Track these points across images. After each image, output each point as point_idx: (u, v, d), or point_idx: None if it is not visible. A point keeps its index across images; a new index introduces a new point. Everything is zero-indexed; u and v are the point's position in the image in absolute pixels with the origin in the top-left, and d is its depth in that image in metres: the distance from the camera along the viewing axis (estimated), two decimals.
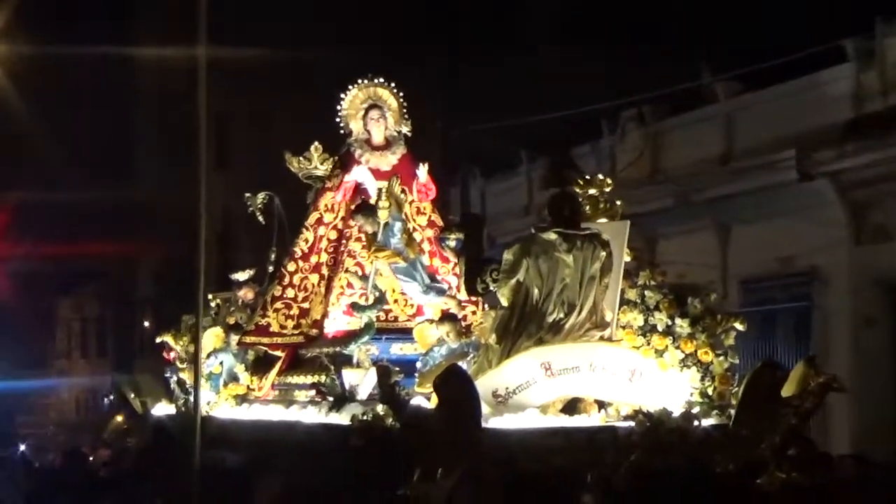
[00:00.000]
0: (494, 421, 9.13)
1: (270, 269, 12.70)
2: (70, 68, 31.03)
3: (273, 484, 10.03)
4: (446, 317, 10.51)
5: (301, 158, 12.42)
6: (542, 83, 22.71)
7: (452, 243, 10.55)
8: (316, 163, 12.38)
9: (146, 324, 36.96)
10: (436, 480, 8.41)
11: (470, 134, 22.33)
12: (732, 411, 9.36)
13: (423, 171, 11.87)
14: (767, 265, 18.42)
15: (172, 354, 13.47)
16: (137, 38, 36.01)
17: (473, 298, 11.15)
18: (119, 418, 15.40)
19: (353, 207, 11.70)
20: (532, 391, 9.39)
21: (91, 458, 15.18)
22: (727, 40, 20.53)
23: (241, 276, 13.15)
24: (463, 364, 9.83)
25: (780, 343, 17.64)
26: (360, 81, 12.12)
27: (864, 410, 16.39)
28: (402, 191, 11.48)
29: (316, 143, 12.34)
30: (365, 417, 9.62)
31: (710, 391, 9.56)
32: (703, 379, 9.58)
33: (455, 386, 8.95)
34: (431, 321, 10.76)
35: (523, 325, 9.56)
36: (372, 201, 11.56)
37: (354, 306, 11.06)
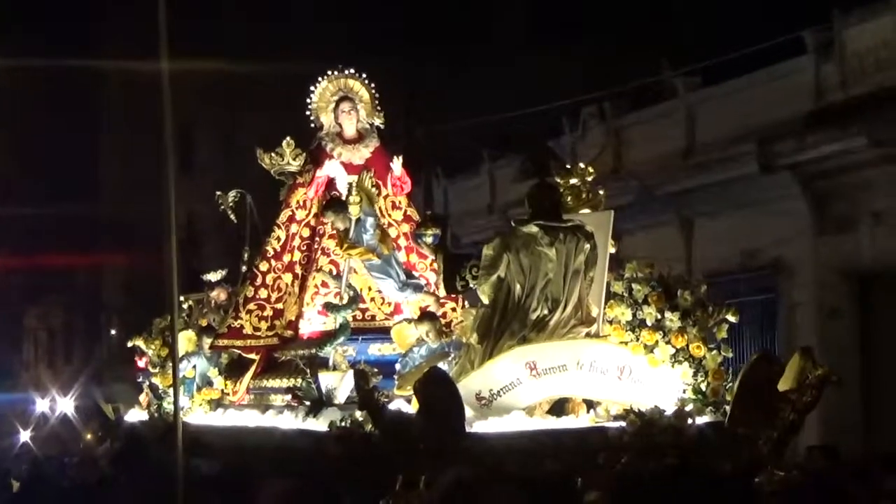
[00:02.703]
0: (479, 425, 8.37)
1: (244, 269, 11.76)
2: (32, 79, 30.09)
3: (249, 492, 9.14)
4: (425, 315, 9.66)
5: (273, 154, 11.46)
6: (503, 82, 22.00)
7: (429, 239, 9.65)
8: (288, 158, 11.44)
9: (112, 332, 36.00)
10: (418, 489, 7.67)
11: (432, 133, 21.58)
12: (727, 408, 8.55)
13: (397, 164, 11.04)
14: (731, 258, 17.90)
15: (143, 361, 12.55)
16: (99, 47, 34.96)
17: (452, 295, 10.25)
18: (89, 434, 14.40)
19: (323, 203, 10.77)
20: (517, 392, 8.60)
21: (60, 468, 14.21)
22: (686, 35, 19.97)
23: (214, 276, 12.29)
24: (444, 365, 9.09)
25: (746, 336, 17.00)
26: (329, 73, 11.19)
27: (831, 401, 15.74)
28: (375, 185, 10.58)
29: (288, 139, 11.41)
30: (343, 423, 8.88)
31: (703, 387, 8.71)
32: (695, 374, 8.74)
33: (436, 389, 8.16)
34: (410, 320, 9.89)
35: (506, 324, 8.75)
36: (344, 197, 10.62)
37: (328, 306, 10.20)
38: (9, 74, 26.67)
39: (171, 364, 11.50)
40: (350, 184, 10.58)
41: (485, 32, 24.83)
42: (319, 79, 11.23)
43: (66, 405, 27.89)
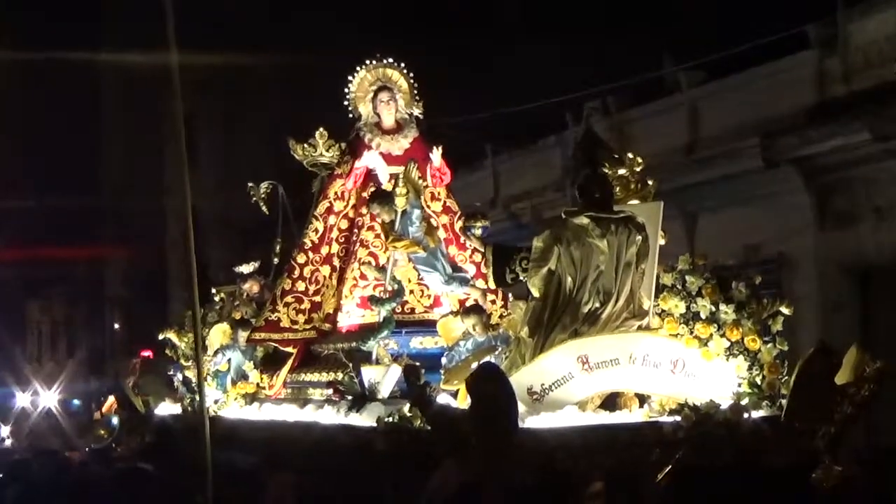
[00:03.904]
0: (531, 420, 7.99)
1: (276, 260, 11.37)
2: (34, 71, 29.56)
3: (287, 487, 8.78)
4: (472, 309, 9.28)
5: (305, 145, 11.07)
6: (506, 76, 21.60)
7: (479, 231, 9.29)
8: (321, 149, 11.09)
9: (116, 325, 35.50)
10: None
11: (435, 127, 21.16)
12: (783, 402, 8.16)
13: (436, 154, 10.65)
14: (734, 253, 17.48)
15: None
16: (102, 39, 34.42)
17: (493, 288, 9.88)
18: (101, 431, 13.94)
19: (367, 195, 10.45)
20: (569, 387, 8.22)
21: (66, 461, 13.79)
22: (689, 29, 19.63)
23: (246, 268, 11.92)
24: (491, 359, 8.72)
25: None
26: (367, 62, 10.79)
27: None
28: (419, 176, 10.15)
29: (321, 129, 11.02)
30: (391, 419, 8.46)
31: (759, 381, 8.34)
32: (750, 368, 8.37)
33: (490, 384, 7.70)
34: (456, 313, 9.46)
35: (557, 317, 8.37)
36: (383, 188, 10.22)
37: (372, 300, 9.80)
38: (10, 67, 26.14)
39: (204, 357, 11.16)
40: (395, 175, 10.17)
41: (487, 25, 24.41)
42: (357, 68, 10.86)
43: (50, 399, 27.55)
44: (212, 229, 24.23)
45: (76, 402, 31.25)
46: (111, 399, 14.84)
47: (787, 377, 8.28)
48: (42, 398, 29.29)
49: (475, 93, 21.55)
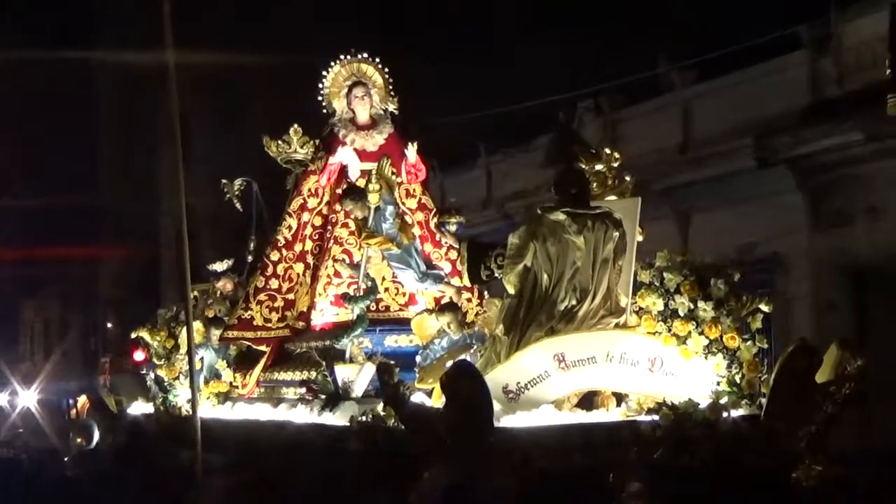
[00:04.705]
0: (507, 419, 7.69)
1: (249, 258, 11.08)
2: (26, 71, 29.25)
3: (260, 487, 8.53)
4: (447, 306, 9.00)
5: (280, 142, 10.78)
6: (499, 75, 21.32)
7: (454, 227, 9.00)
8: (296, 146, 10.83)
9: (109, 325, 35.24)
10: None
11: (427, 127, 20.88)
12: (763, 400, 7.85)
13: (412, 151, 10.37)
14: (728, 253, 17.22)
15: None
16: (95, 38, 34.14)
17: (468, 285, 9.57)
18: (79, 439, 13.62)
19: (340, 191, 10.10)
20: (545, 385, 7.93)
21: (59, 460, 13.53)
22: (683, 28, 19.40)
23: (219, 266, 11.62)
24: (467, 357, 8.41)
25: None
26: (342, 57, 10.48)
27: None
28: (393, 172, 9.83)
29: (295, 126, 10.73)
30: (364, 418, 8.19)
31: (738, 379, 8.00)
32: (729, 366, 8.03)
33: (465, 383, 7.46)
34: (430, 311, 9.15)
35: (533, 314, 8.07)
36: (356, 183, 9.92)
37: (345, 297, 9.50)
38: (4, 67, 25.87)
39: (177, 356, 10.90)
40: (369, 171, 9.86)
41: (480, 25, 24.12)
42: (332, 63, 10.54)
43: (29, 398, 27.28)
44: (205, 229, 23.96)
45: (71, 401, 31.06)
46: (83, 398, 14.60)
47: (766, 375, 7.96)
48: (21, 398, 29.13)
49: (469, 92, 21.28)
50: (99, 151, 37.03)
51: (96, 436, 12.74)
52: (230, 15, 27.28)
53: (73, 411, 16.76)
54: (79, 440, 12.95)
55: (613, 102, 19.76)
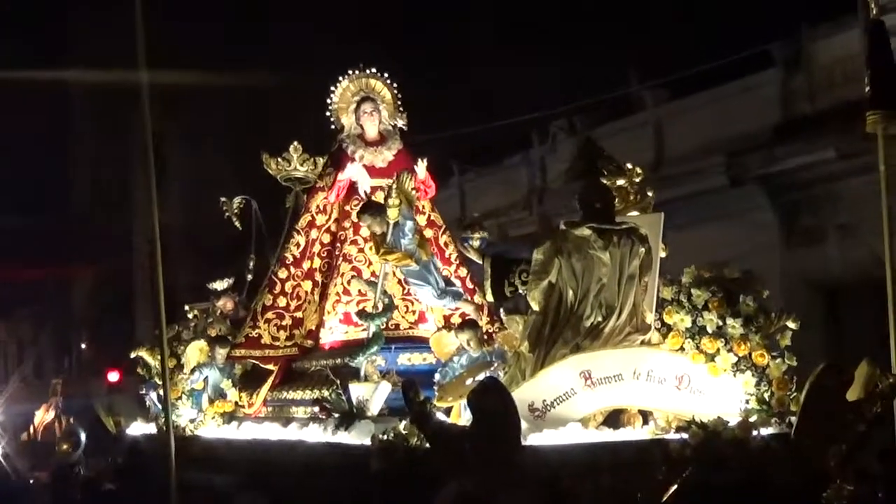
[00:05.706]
0: (533, 437, 7.36)
1: (249, 277, 10.66)
2: None
3: None
4: (467, 324, 8.65)
5: (279, 160, 10.41)
6: (472, 94, 21.08)
7: (477, 243, 8.67)
8: (296, 164, 10.47)
9: (83, 346, 34.54)
10: None
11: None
12: (793, 419, 7.56)
13: (421, 167, 10.02)
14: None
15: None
16: (68, 55, 33.53)
17: (480, 303, 9.24)
18: (65, 445, 13.12)
19: (350, 208, 9.76)
20: (572, 403, 7.60)
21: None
22: (654, 48, 19.22)
23: (220, 285, 11.26)
24: (488, 374, 7.99)
25: None
26: (350, 72, 10.13)
27: None
28: (413, 188, 9.49)
29: (295, 143, 10.38)
30: (386, 437, 7.77)
31: (767, 397, 7.72)
32: (758, 384, 7.75)
33: (492, 400, 7.11)
34: (449, 328, 8.79)
35: (558, 331, 7.76)
36: (373, 199, 9.56)
37: (361, 315, 9.11)
38: None
39: (178, 376, 10.51)
40: (389, 185, 9.47)
41: (453, 45, 23.87)
42: (340, 78, 10.20)
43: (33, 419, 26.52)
44: (179, 250, 23.48)
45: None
46: (39, 415, 14.19)
47: (796, 393, 7.69)
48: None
49: (441, 111, 21.00)
50: (72, 171, 36.43)
51: (83, 443, 12.34)
52: (208, 25, 26.87)
53: (29, 430, 16.22)
54: (65, 446, 12.53)
55: (586, 121, 19.60)
